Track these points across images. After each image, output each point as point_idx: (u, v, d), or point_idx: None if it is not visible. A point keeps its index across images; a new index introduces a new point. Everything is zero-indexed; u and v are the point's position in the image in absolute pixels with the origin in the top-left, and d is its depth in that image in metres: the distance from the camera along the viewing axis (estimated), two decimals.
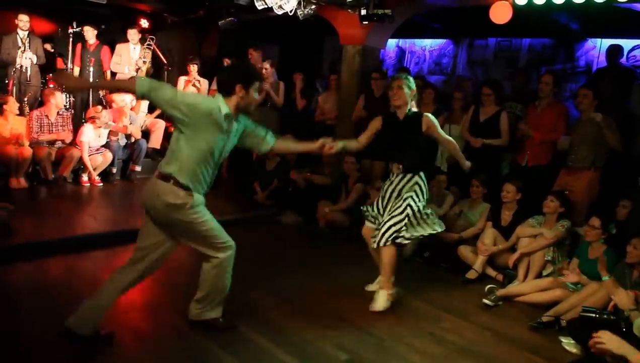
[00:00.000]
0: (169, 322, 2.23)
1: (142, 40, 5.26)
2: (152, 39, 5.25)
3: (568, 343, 2.29)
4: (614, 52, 4.22)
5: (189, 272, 2.91)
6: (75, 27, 5.03)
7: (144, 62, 5.11)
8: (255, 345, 2.07)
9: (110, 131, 4.52)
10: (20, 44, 4.72)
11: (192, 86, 4.96)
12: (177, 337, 2.09)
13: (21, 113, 4.36)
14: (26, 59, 4.74)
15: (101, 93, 5.13)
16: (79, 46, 5.00)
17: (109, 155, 4.42)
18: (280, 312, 2.39)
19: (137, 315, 2.29)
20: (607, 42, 4.59)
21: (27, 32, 4.78)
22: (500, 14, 3.68)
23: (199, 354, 1.99)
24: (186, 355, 1.98)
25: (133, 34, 5.09)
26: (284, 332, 2.20)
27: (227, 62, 5.05)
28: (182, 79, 5.05)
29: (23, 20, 4.73)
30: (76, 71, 5.05)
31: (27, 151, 4.02)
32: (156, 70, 5.88)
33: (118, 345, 2.00)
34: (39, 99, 4.82)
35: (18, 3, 4.94)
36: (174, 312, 2.30)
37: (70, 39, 5.00)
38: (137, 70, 5.06)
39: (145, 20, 5.59)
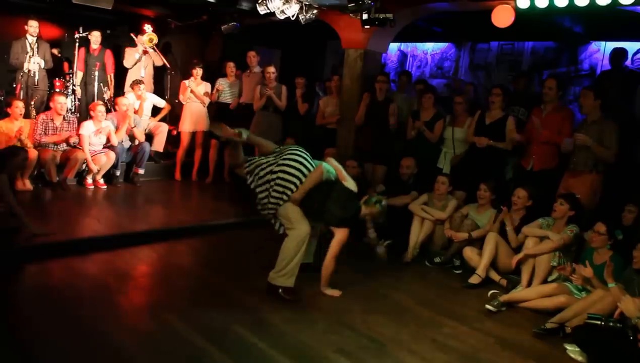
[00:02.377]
0: (169, 323, 2.22)
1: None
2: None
3: (573, 351, 2.25)
4: (618, 55, 4.19)
5: (189, 273, 2.92)
6: (81, 32, 5.10)
7: (141, 57, 5.17)
8: (255, 349, 2.06)
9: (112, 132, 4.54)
10: (29, 49, 4.79)
11: (189, 92, 4.99)
12: (178, 339, 2.09)
13: (28, 116, 4.41)
14: (34, 64, 4.81)
15: (105, 96, 5.18)
16: (82, 51, 5.06)
17: (112, 155, 4.45)
18: (281, 316, 2.38)
19: (138, 316, 2.30)
20: (611, 45, 4.56)
21: (36, 38, 4.85)
22: (502, 18, 3.66)
23: (198, 356, 1.99)
24: (186, 357, 1.97)
25: (139, 40, 5.23)
26: (284, 336, 2.19)
27: (229, 64, 5.06)
28: (185, 83, 5.09)
29: (33, 25, 4.81)
30: (79, 76, 5.09)
31: (33, 153, 4.06)
32: (160, 74, 5.94)
33: (118, 345, 2.00)
34: (46, 102, 4.88)
35: (27, 9, 5.03)
36: (175, 313, 2.30)
37: (77, 44, 5.07)
38: (139, 59, 5.14)
39: (149, 26, 5.67)
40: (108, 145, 4.50)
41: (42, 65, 4.89)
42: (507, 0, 3.58)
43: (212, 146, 5.13)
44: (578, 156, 3.18)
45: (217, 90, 5.02)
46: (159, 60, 5.37)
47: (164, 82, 5.81)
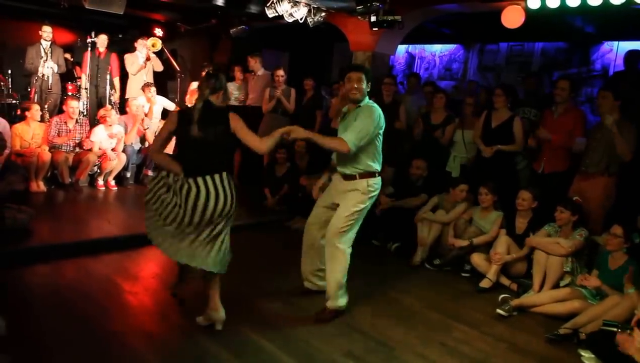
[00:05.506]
0: (178, 325, 2.24)
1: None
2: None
3: (588, 358, 2.20)
4: (632, 57, 4.10)
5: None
6: (93, 36, 5.20)
7: (145, 63, 5.23)
8: (263, 352, 2.06)
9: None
10: (43, 54, 4.91)
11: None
12: (187, 341, 2.10)
13: (41, 120, 4.50)
14: (48, 68, 4.92)
15: (112, 98, 5.25)
16: (87, 55, 5.14)
17: (123, 157, 4.50)
18: (289, 319, 2.37)
19: (147, 318, 2.31)
20: (624, 45, 4.48)
21: (49, 43, 4.96)
22: (512, 18, 3.62)
23: (207, 357, 1.99)
24: (194, 358, 1.98)
25: (140, 45, 5.30)
26: (292, 339, 2.19)
27: (237, 69, 5.09)
28: (194, 84, 5.15)
29: (47, 31, 4.93)
30: (84, 79, 5.16)
31: (46, 156, 4.14)
32: (169, 77, 6.02)
33: (127, 346, 2.02)
34: (59, 106, 4.99)
35: (42, 15, 5.15)
36: (184, 315, 2.32)
37: (89, 49, 5.17)
38: (144, 65, 5.20)
39: (159, 29, 5.75)
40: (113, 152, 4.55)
41: (56, 70, 5.00)
42: (517, 0, 3.55)
43: None
44: (592, 157, 3.10)
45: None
46: (159, 66, 5.44)
47: (167, 86, 5.89)
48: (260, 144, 2.09)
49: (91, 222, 3.59)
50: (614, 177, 3.09)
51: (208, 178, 2.00)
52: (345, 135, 2.24)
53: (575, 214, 2.84)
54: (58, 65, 5.02)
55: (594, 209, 3.05)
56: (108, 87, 5.22)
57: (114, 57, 5.31)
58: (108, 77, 5.20)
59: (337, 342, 2.18)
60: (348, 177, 2.34)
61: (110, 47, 5.29)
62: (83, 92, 5.14)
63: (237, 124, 2.06)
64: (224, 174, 2.05)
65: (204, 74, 5.10)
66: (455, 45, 6.00)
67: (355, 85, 2.30)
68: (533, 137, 3.40)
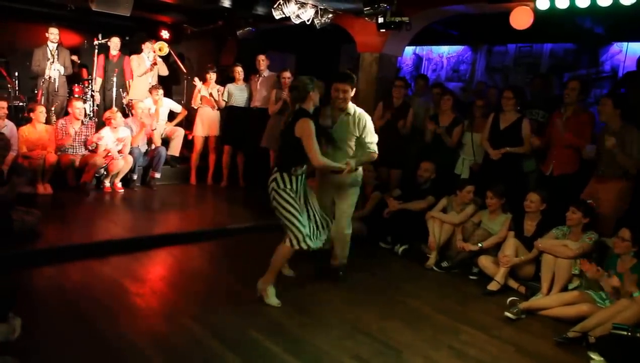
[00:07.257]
0: (185, 326, 2.24)
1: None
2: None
3: (598, 361, 2.19)
4: None
5: (205, 277, 2.94)
6: (100, 39, 5.23)
7: (152, 67, 5.25)
8: (270, 353, 2.06)
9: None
10: (49, 56, 4.92)
11: (199, 99, 5.03)
12: (194, 343, 2.11)
13: (48, 122, 4.53)
14: (54, 71, 4.94)
15: (124, 101, 5.29)
16: (101, 57, 5.17)
17: (130, 159, 4.52)
18: (296, 321, 2.37)
19: (154, 320, 2.32)
20: (634, 46, 4.42)
21: (56, 45, 4.99)
22: (520, 19, 3.60)
23: (213, 359, 1.99)
24: (201, 360, 1.98)
25: (147, 47, 5.32)
26: (299, 341, 2.18)
27: (237, 69, 5.07)
28: (198, 85, 5.14)
29: (53, 33, 4.95)
30: (98, 82, 5.20)
31: (53, 158, 4.17)
32: (176, 79, 6.04)
33: (134, 347, 2.02)
34: (65, 108, 5.02)
35: (48, 17, 5.19)
36: (191, 317, 2.32)
37: (95, 51, 5.20)
38: (151, 69, 5.23)
39: (166, 31, 5.78)
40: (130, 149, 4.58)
41: (62, 72, 5.01)
42: (526, 1, 3.52)
43: (225, 152, 5.16)
44: (607, 163, 3.03)
45: (219, 92, 5.01)
46: (165, 71, 5.45)
47: (181, 87, 5.91)
48: (319, 158, 2.48)
49: (98, 224, 3.62)
50: (631, 182, 3.03)
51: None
52: (372, 145, 2.78)
53: (586, 217, 2.82)
54: (65, 67, 5.04)
55: (606, 212, 3.01)
56: (119, 90, 5.24)
57: (127, 60, 5.31)
58: (116, 79, 5.22)
59: (344, 345, 2.18)
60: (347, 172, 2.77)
61: (122, 49, 5.32)
62: (96, 95, 5.15)
63: (302, 132, 2.42)
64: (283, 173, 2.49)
65: (208, 75, 5.09)
66: (462, 47, 5.96)
67: (342, 96, 2.67)
68: (541, 138, 3.36)
